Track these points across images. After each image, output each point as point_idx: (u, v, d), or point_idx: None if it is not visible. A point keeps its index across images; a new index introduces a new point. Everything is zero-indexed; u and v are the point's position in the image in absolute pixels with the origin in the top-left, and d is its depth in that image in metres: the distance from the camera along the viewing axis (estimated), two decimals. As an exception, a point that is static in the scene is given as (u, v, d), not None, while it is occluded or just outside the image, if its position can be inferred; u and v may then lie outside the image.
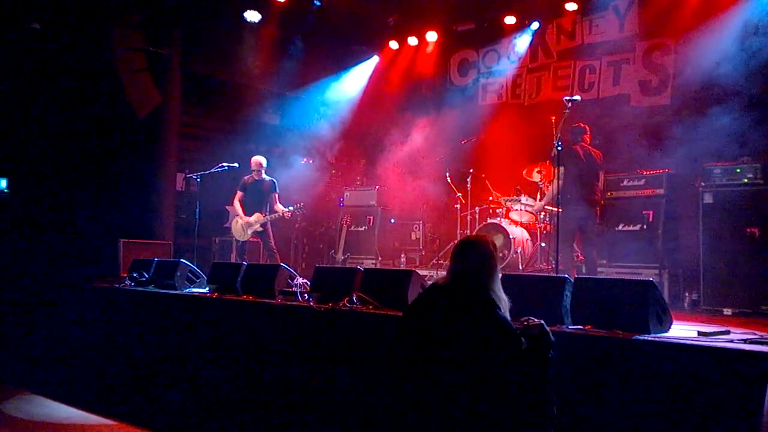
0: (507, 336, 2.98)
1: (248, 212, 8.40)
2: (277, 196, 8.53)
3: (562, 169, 7.00)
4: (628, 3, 9.31)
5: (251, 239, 8.57)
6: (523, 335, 3.06)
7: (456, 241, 3.51)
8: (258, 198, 8.46)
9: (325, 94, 11.97)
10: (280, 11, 10.52)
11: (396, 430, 3.27)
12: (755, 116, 7.36)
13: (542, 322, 3.13)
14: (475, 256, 3.16)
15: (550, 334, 3.11)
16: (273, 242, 8.44)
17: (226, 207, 10.20)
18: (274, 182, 8.59)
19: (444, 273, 3.36)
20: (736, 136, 7.11)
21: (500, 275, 3.26)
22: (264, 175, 8.55)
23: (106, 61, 9.38)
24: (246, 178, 8.59)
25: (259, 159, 8.57)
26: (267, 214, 8.37)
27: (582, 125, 7.35)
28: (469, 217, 9.17)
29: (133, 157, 9.71)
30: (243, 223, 8.39)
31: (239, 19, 10.47)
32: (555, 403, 3.05)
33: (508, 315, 3.13)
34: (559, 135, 6.38)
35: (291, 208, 8.37)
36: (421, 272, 5.29)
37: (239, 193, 8.56)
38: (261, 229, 8.33)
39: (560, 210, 6.91)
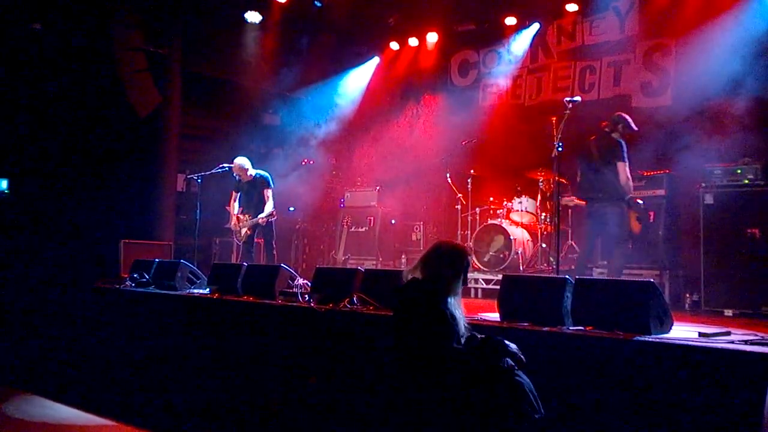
0: (446, 349, 3.16)
1: (243, 212, 8.24)
2: (269, 192, 8.12)
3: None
4: (629, 4, 9.30)
5: (257, 240, 8.46)
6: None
7: (434, 243, 3.59)
8: (250, 197, 8.22)
9: (325, 95, 11.97)
10: (281, 12, 10.52)
11: (395, 430, 3.35)
12: (756, 117, 7.36)
13: (501, 340, 3.28)
14: (441, 266, 3.38)
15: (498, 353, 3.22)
16: (274, 241, 8.32)
17: (226, 208, 10.20)
18: (266, 178, 8.22)
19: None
20: (737, 136, 7.12)
21: (461, 287, 3.45)
22: (252, 173, 8.20)
23: (106, 61, 9.39)
24: (237, 181, 8.33)
25: (238, 163, 8.16)
26: (253, 216, 8.08)
27: (618, 114, 6.85)
28: (469, 218, 9.17)
29: (134, 158, 9.72)
30: (235, 221, 8.30)
31: (240, 20, 10.48)
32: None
33: (461, 325, 3.31)
34: (559, 136, 6.36)
35: (264, 214, 7.97)
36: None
37: (233, 194, 8.37)
38: (250, 231, 8.18)
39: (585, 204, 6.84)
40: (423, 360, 3.16)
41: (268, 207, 8.03)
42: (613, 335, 3.73)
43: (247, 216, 8.17)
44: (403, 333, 3.31)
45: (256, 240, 8.41)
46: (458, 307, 3.37)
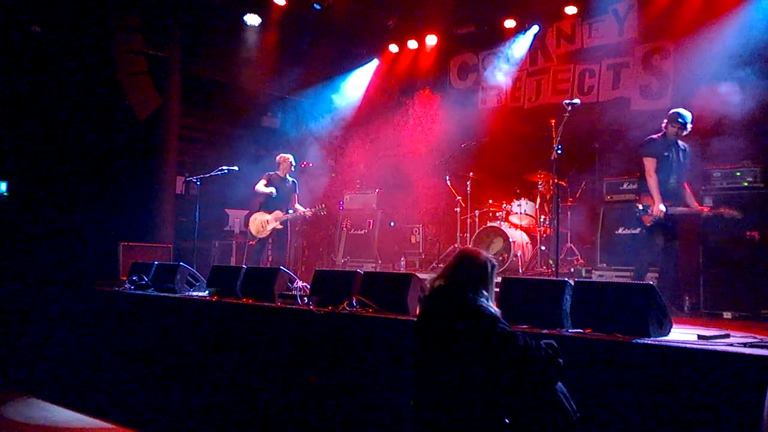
0: (493, 332, 3.08)
1: (269, 210, 8.38)
2: (296, 196, 8.63)
3: None
4: (628, 6, 9.32)
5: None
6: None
7: (457, 250, 3.56)
8: (281, 196, 8.44)
9: (324, 97, 11.99)
10: (280, 14, 10.54)
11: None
12: (755, 119, 7.36)
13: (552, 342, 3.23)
14: (464, 273, 3.32)
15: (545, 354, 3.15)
16: (288, 246, 8.48)
17: (226, 210, 10.20)
18: (296, 183, 8.70)
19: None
20: (736, 139, 7.11)
21: (493, 289, 3.39)
22: (289, 176, 8.63)
23: (106, 64, 9.41)
24: (272, 174, 8.55)
25: (289, 157, 8.61)
26: (287, 212, 8.39)
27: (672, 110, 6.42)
28: (468, 221, 9.17)
29: (133, 160, 9.73)
30: (262, 221, 8.36)
31: (239, 22, 10.49)
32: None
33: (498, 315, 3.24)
34: (558, 138, 6.37)
35: (303, 209, 8.42)
36: (421, 275, 5.27)
37: (264, 180, 8.48)
38: (281, 226, 8.31)
39: None
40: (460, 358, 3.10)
41: (299, 207, 8.54)
42: (612, 338, 3.73)
43: (279, 211, 8.27)
44: (434, 338, 3.24)
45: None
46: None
